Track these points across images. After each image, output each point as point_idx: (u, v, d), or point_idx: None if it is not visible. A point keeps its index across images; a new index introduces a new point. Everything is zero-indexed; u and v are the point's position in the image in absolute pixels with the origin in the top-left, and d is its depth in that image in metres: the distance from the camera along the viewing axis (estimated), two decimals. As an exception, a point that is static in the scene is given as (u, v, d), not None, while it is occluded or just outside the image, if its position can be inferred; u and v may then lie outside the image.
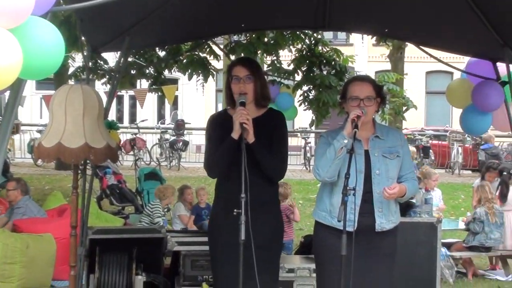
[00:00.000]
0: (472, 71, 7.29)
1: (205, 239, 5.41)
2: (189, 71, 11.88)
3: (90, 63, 10.04)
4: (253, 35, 11.18)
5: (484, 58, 7.09)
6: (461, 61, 8.59)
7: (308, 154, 24.00)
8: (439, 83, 31.09)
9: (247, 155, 4.70)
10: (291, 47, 12.01)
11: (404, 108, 13.44)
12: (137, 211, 12.57)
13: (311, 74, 11.41)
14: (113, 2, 3.62)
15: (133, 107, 33.21)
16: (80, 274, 6.26)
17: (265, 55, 12.06)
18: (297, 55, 11.79)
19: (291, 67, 11.75)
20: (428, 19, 6.48)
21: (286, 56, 12.56)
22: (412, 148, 17.15)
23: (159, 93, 14.86)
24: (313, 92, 11.54)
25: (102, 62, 12.79)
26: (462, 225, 10.59)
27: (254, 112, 5.06)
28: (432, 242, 7.68)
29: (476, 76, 7.13)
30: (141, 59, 12.42)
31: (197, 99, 30.48)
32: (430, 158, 23.99)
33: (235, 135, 4.86)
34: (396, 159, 4.97)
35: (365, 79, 5.21)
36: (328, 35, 16.80)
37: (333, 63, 11.53)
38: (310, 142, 24.96)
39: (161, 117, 33.51)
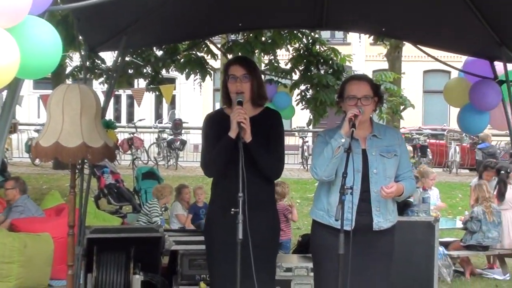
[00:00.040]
0: (469, 70, 7.29)
1: (203, 238, 5.41)
2: (187, 70, 11.88)
3: (87, 63, 10.01)
4: (251, 34, 11.17)
5: (482, 57, 7.10)
6: (459, 60, 8.58)
7: (306, 153, 24.03)
8: (437, 82, 31.08)
9: (244, 154, 4.70)
10: (288, 46, 12.00)
11: (402, 107, 13.42)
12: (134, 211, 12.57)
13: (309, 73, 11.40)
14: (110, 1, 3.62)
15: (130, 106, 33.23)
16: (77, 274, 6.26)
17: (262, 54, 12.04)
18: (294, 54, 11.77)
19: (289, 66, 11.73)
20: (426, 18, 6.49)
21: (284, 55, 12.54)
22: (408, 147, 17.14)
23: (157, 93, 14.84)
24: (310, 91, 11.53)
25: (99, 62, 12.77)
26: (459, 224, 10.59)
27: (251, 111, 5.06)
28: (429, 241, 7.69)
29: (474, 75, 7.14)
30: (139, 58, 12.40)
31: (195, 99, 30.48)
32: (427, 157, 24.01)
33: (232, 134, 4.86)
34: (393, 158, 4.97)
35: (362, 78, 5.21)
36: (325, 34, 16.79)
37: (330, 62, 11.51)
38: (307, 141, 24.97)
39: (158, 116, 33.54)
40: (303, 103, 11.67)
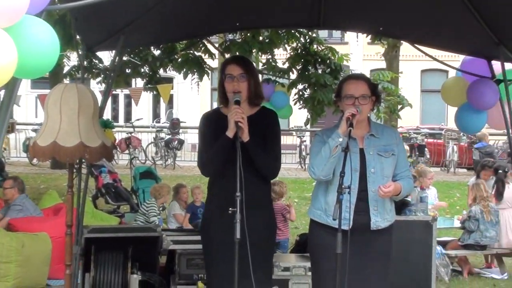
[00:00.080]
0: (467, 69, 7.30)
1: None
2: (184, 70, 11.86)
3: (85, 62, 10.06)
4: (248, 34, 11.17)
5: (479, 56, 7.11)
6: (456, 59, 8.59)
7: (304, 153, 24.05)
8: (434, 82, 31.08)
9: (242, 154, 4.70)
10: (286, 45, 12.00)
11: (399, 106, 13.45)
12: (132, 210, 12.57)
13: (306, 73, 11.41)
14: (108, 1, 3.62)
15: (128, 106, 33.22)
16: (75, 273, 6.26)
17: (260, 53, 12.04)
18: (292, 53, 11.77)
19: (286, 65, 11.73)
20: (423, 17, 6.49)
21: (281, 55, 12.54)
22: (405, 147, 17.14)
23: (154, 92, 14.84)
24: (308, 90, 11.54)
25: (97, 61, 12.76)
26: (457, 224, 10.59)
27: (247, 111, 5.06)
28: (427, 241, 7.68)
29: (471, 74, 7.15)
30: (136, 58, 12.39)
31: (192, 98, 30.47)
32: (425, 157, 24.03)
33: (230, 133, 4.86)
34: (391, 157, 4.98)
35: (360, 77, 5.21)
36: (323, 33, 16.82)
37: (328, 61, 11.52)
38: (305, 141, 24.98)
39: (156, 116, 33.54)
40: (301, 102, 11.68)
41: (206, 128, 5.19)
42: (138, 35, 6.82)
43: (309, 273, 5.92)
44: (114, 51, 6.98)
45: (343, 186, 4.53)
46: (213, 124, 5.14)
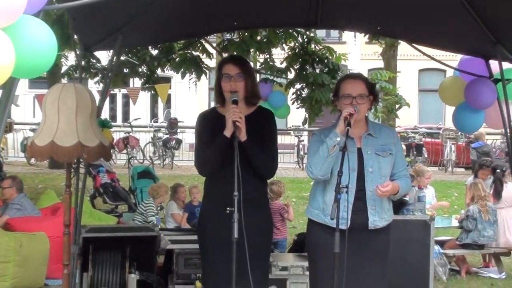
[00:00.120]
0: (464, 69, 7.30)
1: (198, 237, 5.42)
2: (182, 69, 11.85)
3: (83, 62, 10.02)
4: (246, 34, 11.16)
5: (477, 55, 7.11)
6: (454, 58, 8.59)
7: (301, 152, 24.06)
8: (432, 81, 31.07)
9: (239, 153, 4.70)
10: (283, 45, 11.98)
11: (397, 106, 13.42)
12: (130, 210, 12.56)
13: (304, 72, 11.41)
14: (105, 0, 3.62)
15: (126, 105, 33.22)
16: (73, 273, 6.25)
17: (257, 53, 12.03)
18: (289, 53, 11.76)
19: (284, 65, 11.73)
20: (421, 16, 6.49)
21: (279, 54, 12.54)
22: (403, 146, 17.14)
23: (152, 92, 14.84)
24: (305, 90, 11.53)
25: (94, 61, 12.74)
26: (455, 223, 10.59)
27: (244, 110, 5.06)
28: (425, 240, 7.68)
29: (469, 74, 7.14)
30: (134, 57, 12.38)
31: (190, 98, 30.43)
32: (423, 156, 24.04)
33: (227, 133, 4.86)
34: (389, 156, 4.98)
35: (357, 77, 5.22)
36: (320, 33, 16.85)
37: (325, 61, 11.52)
38: (303, 140, 24.99)
39: (154, 115, 33.51)
40: (299, 102, 11.67)
41: (203, 128, 5.20)
42: (136, 35, 6.82)
43: (307, 273, 5.91)
44: (112, 51, 6.98)
45: (341, 186, 4.54)
46: (210, 123, 5.15)
